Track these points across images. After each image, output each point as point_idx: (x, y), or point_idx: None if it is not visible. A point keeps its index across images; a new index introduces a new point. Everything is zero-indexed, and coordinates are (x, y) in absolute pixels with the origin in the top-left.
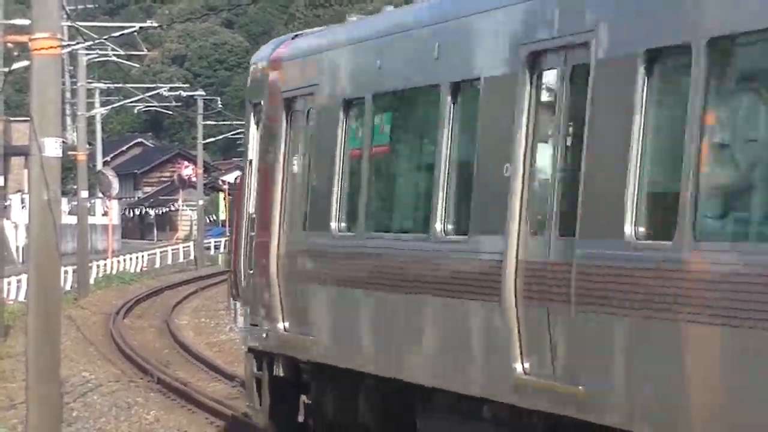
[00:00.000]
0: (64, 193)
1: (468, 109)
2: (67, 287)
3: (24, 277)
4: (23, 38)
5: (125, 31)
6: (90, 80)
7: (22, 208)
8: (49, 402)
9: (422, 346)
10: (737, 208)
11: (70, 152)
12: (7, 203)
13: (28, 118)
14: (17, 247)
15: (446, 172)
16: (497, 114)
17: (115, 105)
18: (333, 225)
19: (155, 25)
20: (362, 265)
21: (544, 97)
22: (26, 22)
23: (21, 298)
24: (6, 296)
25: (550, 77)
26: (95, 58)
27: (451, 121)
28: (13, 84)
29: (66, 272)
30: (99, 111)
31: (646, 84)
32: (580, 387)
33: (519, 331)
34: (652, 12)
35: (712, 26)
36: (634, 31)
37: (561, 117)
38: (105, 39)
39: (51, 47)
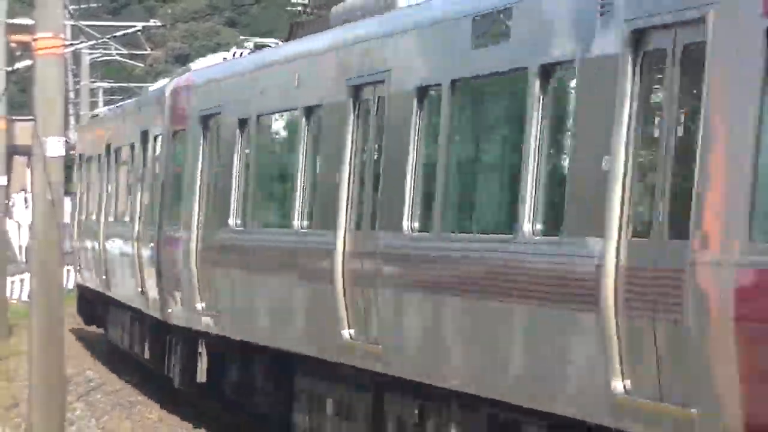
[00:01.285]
0: (67, 192)
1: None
2: (70, 286)
3: (27, 276)
4: (26, 38)
5: (128, 31)
6: (93, 79)
7: (26, 207)
8: (53, 401)
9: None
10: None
11: (72, 151)
12: (11, 202)
13: (31, 118)
14: (20, 246)
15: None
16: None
17: (118, 104)
18: (93, 217)
19: (158, 24)
20: (91, 233)
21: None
22: (29, 21)
23: (24, 297)
24: (9, 295)
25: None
26: (98, 57)
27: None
28: (16, 83)
29: (69, 271)
30: (102, 110)
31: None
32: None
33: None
34: None
35: None
36: None
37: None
38: (108, 38)
39: (54, 47)
